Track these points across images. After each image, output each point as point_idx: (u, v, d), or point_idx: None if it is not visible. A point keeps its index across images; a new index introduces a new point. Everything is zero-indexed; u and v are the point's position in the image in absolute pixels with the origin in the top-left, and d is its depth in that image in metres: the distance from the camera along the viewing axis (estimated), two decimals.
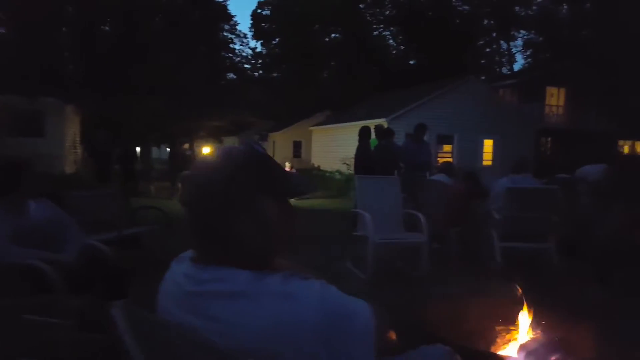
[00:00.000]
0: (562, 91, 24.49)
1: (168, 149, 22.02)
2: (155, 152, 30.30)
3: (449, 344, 1.38)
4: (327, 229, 7.08)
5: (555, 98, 24.65)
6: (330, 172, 18.16)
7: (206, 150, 15.09)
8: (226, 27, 29.69)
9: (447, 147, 19.79)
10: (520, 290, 2.31)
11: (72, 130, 18.05)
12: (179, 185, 9.21)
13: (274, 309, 0.87)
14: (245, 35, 45.01)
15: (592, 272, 3.98)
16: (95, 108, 17.30)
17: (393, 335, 1.12)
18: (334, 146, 20.99)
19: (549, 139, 24.11)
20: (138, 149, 20.11)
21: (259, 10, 37.16)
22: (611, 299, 3.67)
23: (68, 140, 17.29)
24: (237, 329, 0.87)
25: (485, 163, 19.55)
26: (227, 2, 45.13)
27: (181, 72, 20.10)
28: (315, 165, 22.54)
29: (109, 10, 19.66)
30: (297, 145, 30.03)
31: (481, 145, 19.95)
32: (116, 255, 2.90)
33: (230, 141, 29.24)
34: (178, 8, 22.47)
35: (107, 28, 22.03)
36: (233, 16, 30.55)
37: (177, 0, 23.44)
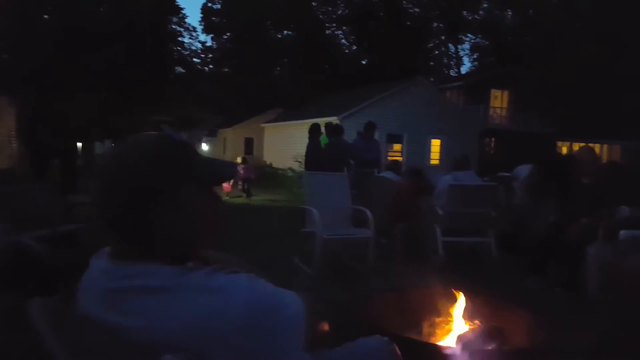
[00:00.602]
0: (506, 94, 25.57)
1: (113, 145, 21.17)
2: (98, 147, 29.15)
3: (387, 335, 1.40)
4: (277, 226, 7.05)
5: (499, 100, 25.70)
6: (283, 170, 18.11)
7: None
8: (174, 19, 28.94)
9: (397, 146, 20.22)
10: (461, 283, 2.37)
11: (6, 124, 17.06)
12: None
13: (197, 304, 0.84)
14: (194, 29, 44.16)
15: (528, 265, 4.14)
16: (33, 100, 16.40)
17: (326, 327, 1.12)
18: (286, 143, 20.94)
19: (493, 139, 25.10)
20: (80, 144, 19.25)
21: (209, 4, 36.53)
22: (546, 289, 3.85)
23: (2, 134, 16.35)
24: (159, 325, 0.84)
25: (433, 162, 20.10)
26: None
27: (126, 64, 19.40)
28: (267, 163, 22.39)
29: None
30: (248, 142, 29.70)
31: (429, 144, 20.50)
32: (47, 253, 2.76)
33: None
34: None
35: (46, 17, 20.92)
36: (182, 8, 29.86)
37: None
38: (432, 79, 30.42)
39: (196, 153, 0.98)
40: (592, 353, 1.97)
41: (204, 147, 31.59)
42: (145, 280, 0.87)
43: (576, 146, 25.85)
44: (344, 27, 37.35)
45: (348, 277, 4.27)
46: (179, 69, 30.97)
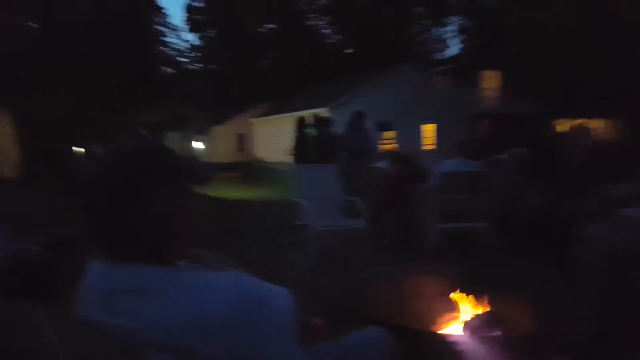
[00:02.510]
0: (496, 75, 25.43)
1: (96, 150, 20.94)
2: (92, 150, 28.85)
3: (384, 327, 1.39)
4: (270, 220, 7.04)
5: (489, 82, 25.57)
6: (274, 164, 18.06)
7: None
8: (157, 20, 28.60)
9: (388, 134, 20.19)
10: (455, 269, 2.36)
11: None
12: None
13: (185, 303, 0.87)
14: (177, 28, 43.68)
15: (522, 248, 4.13)
16: (22, 105, 16.08)
17: (318, 322, 1.14)
18: (275, 137, 20.87)
19: (486, 121, 25.00)
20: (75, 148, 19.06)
21: (192, 3, 36.22)
22: (542, 272, 3.84)
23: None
24: (148, 324, 0.86)
25: (427, 147, 20.11)
26: None
27: (109, 64, 19.13)
28: (259, 158, 22.30)
29: None
30: (240, 139, 29.44)
31: (421, 130, 20.52)
32: (45, 257, 2.74)
33: (171, 136, 28.29)
34: None
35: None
36: (162, 8, 29.46)
37: None
38: (418, 64, 30.24)
39: (175, 156, 1.03)
40: (593, 336, 1.96)
41: (196, 146, 31.37)
42: (135, 281, 0.91)
43: (569, 125, 25.85)
44: (326, 17, 37.05)
45: (342, 268, 4.26)
46: (167, 69, 30.70)
